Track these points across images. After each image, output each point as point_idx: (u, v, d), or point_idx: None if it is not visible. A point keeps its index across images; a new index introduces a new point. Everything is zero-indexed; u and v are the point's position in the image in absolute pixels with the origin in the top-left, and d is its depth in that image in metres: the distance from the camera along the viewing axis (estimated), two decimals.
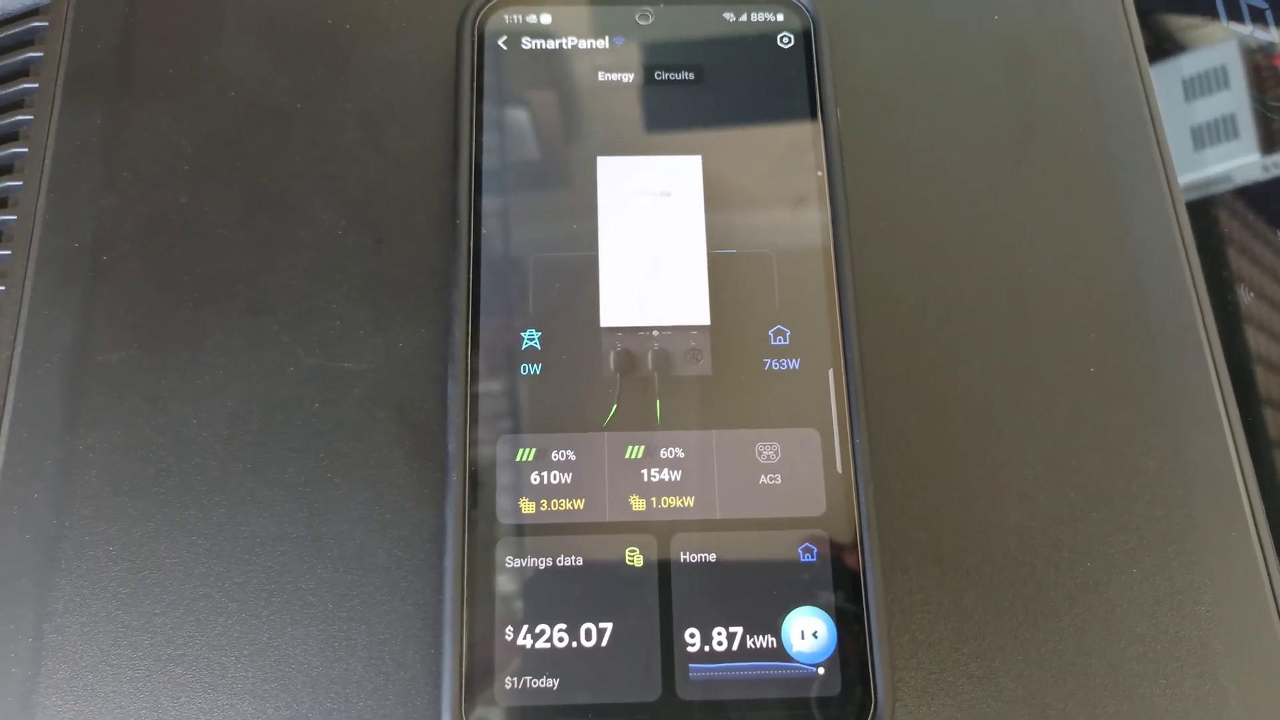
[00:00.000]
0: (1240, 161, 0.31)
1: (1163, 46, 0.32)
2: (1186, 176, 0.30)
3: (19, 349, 0.24)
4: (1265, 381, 0.28)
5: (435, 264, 0.25)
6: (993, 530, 0.24)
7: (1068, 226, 0.27)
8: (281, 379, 0.24)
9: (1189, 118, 0.32)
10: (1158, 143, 0.28)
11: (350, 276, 0.25)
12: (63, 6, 0.28)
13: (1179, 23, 0.33)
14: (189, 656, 0.22)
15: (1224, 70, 0.32)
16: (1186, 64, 0.32)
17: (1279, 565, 0.24)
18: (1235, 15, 0.33)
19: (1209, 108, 0.32)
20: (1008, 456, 0.25)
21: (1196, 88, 0.32)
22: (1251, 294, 0.29)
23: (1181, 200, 0.28)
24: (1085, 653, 0.23)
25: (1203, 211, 0.30)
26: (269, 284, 0.25)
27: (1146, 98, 0.28)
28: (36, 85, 0.27)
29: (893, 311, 0.26)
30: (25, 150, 0.26)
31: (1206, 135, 0.32)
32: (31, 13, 0.28)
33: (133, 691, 0.22)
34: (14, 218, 0.26)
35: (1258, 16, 0.34)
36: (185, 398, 0.24)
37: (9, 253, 0.25)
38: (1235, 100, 0.32)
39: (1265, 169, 0.31)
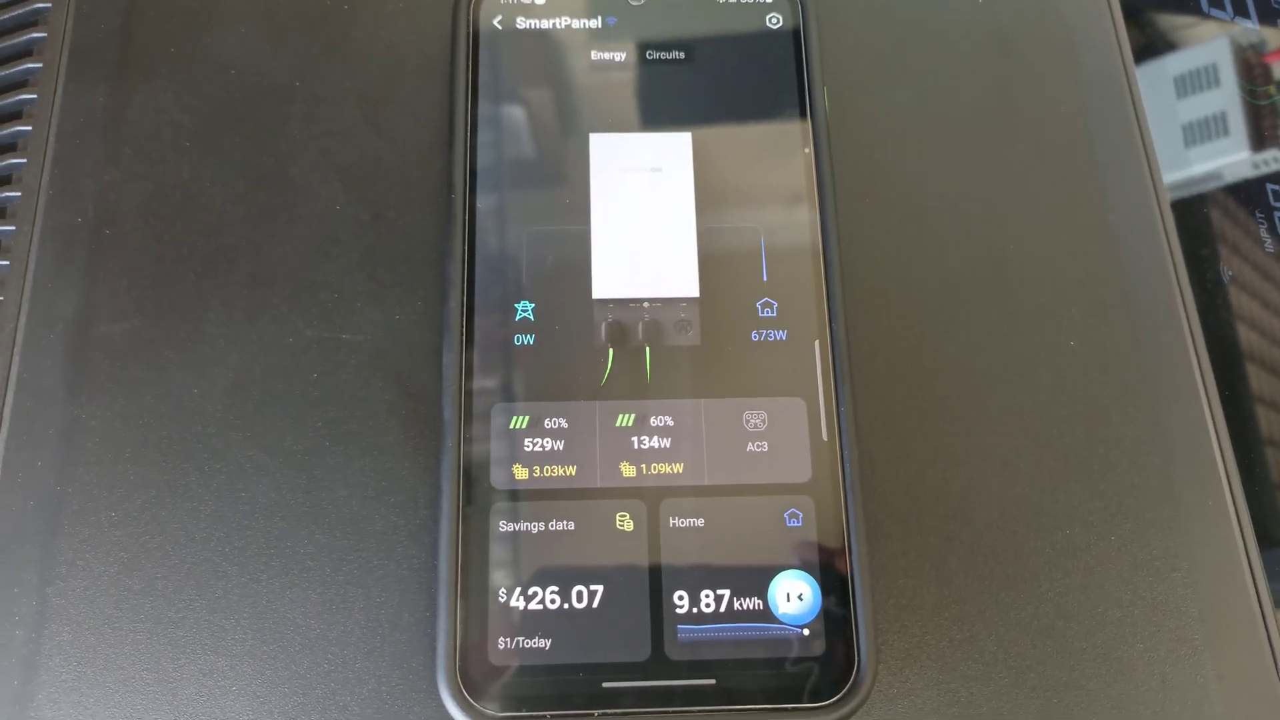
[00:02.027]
0: (1231, 159, 0.32)
1: (1153, 44, 0.33)
2: (1177, 174, 0.30)
3: (23, 320, 0.25)
4: (1247, 354, 0.28)
5: (431, 238, 0.26)
6: (975, 497, 0.25)
7: (1049, 205, 0.27)
8: (280, 350, 0.25)
9: (1179, 115, 0.32)
10: (1138, 124, 0.29)
11: (348, 250, 0.26)
12: None
13: (1169, 21, 0.33)
14: (189, 619, 0.23)
15: (1214, 68, 0.33)
16: (1177, 62, 0.33)
17: (1253, 532, 0.25)
18: (1217, 3, 0.34)
19: (1199, 105, 0.32)
20: (990, 426, 0.25)
21: (1187, 85, 0.32)
22: (1230, 273, 0.29)
23: (1162, 180, 0.28)
24: (1064, 617, 0.24)
25: (1190, 205, 0.30)
26: (268, 257, 0.26)
27: (1128, 80, 0.29)
28: (40, 64, 0.27)
29: (878, 285, 0.26)
30: (29, 128, 0.27)
31: (1197, 133, 0.32)
32: None
33: (134, 653, 0.23)
34: (18, 194, 0.26)
35: (1240, 7, 0.34)
36: (186, 368, 0.25)
37: (13, 228, 0.26)
38: (1225, 98, 0.32)
39: (1255, 166, 0.32)
